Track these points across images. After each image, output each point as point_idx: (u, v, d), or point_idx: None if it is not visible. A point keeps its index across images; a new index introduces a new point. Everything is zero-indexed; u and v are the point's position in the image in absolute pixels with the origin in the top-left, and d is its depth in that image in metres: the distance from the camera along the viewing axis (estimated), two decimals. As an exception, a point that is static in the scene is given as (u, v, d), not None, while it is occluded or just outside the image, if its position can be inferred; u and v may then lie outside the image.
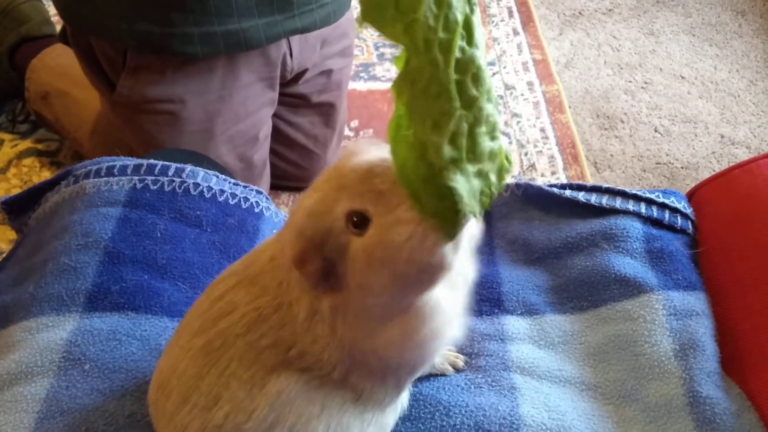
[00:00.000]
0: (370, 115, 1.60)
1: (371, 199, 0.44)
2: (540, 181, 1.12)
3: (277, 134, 1.33)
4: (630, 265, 0.72)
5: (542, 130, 1.58)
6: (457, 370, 0.66)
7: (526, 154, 1.52)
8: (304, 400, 0.50)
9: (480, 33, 0.42)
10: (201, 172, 0.76)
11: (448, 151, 0.41)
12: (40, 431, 0.58)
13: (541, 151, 1.53)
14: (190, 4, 1.02)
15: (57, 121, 1.41)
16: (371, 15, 0.40)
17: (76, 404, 0.60)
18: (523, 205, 0.78)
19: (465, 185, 0.42)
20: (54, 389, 0.61)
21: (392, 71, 1.71)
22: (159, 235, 0.71)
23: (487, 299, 0.71)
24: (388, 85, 1.67)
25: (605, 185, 0.77)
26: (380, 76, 1.71)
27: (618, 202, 0.76)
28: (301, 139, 1.38)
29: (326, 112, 1.37)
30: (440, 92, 0.40)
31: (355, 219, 0.44)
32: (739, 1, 2.02)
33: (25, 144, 1.50)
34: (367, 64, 1.74)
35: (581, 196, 0.76)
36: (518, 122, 1.60)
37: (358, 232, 0.45)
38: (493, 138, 0.44)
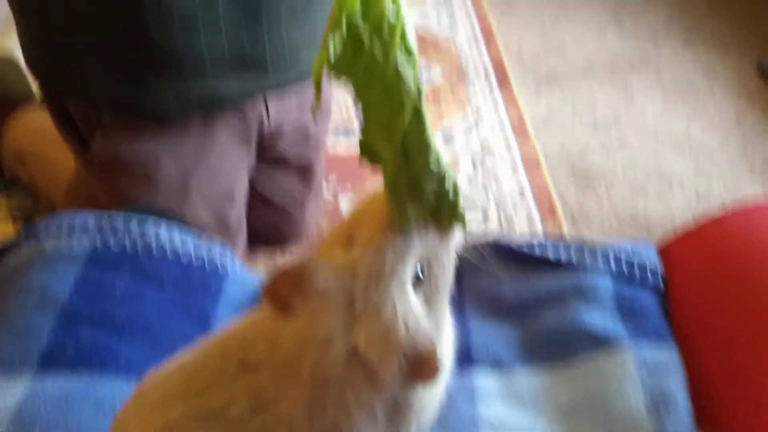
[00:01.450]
0: (348, 175, 1.61)
1: None
2: (518, 235, 1.11)
3: (253, 194, 1.33)
4: (600, 320, 0.71)
5: (519, 186, 1.59)
6: None
7: (503, 210, 1.53)
8: None
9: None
10: (163, 231, 0.75)
11: None
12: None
13: (518, 207, 1.53)
14: (163, 66, 1.03)
15: (32, 182, 1.40)
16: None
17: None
18: (492, 260, 0.77)
19: None
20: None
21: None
22: (118, 294, 0.69)
23: (456, 351, 0.70)
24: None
25: (575, 241, 0.77)
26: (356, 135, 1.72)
27: (588, 260, 0.76)
28: (278, 199, 1.37)
29: (304, 172, 1.37)
30: None
31: None
32: (709, 60, 2.07)
33: (-1, 204, 1.49)
34: (346, 122, 1.76)
35: (551, 253, 0.76)
36: (495, 180, 1.61)
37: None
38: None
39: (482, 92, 1.89)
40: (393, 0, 0.41)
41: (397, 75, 0.42)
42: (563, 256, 0.76)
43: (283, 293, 0.45)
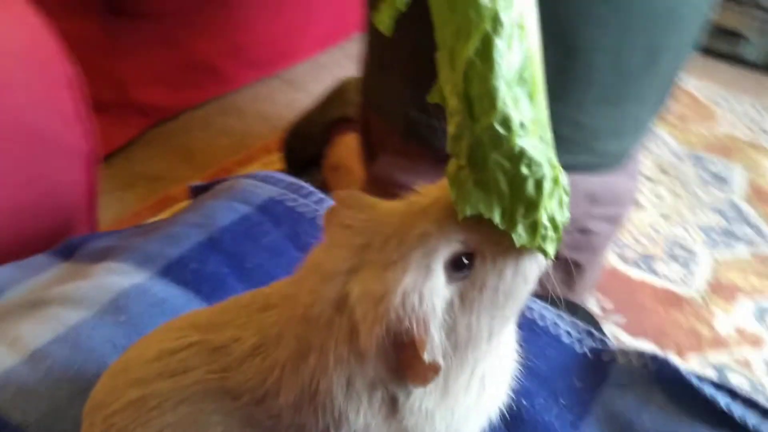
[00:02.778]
0: (628, 304, 1.42)
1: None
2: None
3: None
4: None
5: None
6: None
7: None
8: None
9: None
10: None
11: None
12: (44, 350, 0.58)
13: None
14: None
15: (333, 189, 1.52)
16: None
17: (88, 345, 0.59)
18: (648, 382, 0.59)
19: None
20: (83, 322, 0.60)
21: (677, 273, 1.51)
22: (264, 243, 0.69)
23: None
24: (667, 284, 1.48)
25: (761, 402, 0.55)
26: (661, 273, 1.52)
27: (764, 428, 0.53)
28: (536, 290, 1.26)
29: (571, 271, 1.24)
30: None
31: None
32: None
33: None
34: (651, 256, 1.57)
35: (722, 401, 0.55)
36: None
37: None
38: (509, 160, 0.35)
39: None
40: None
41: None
42: (737, 412, 0.54)
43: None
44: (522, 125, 0.35)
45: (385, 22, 0.36)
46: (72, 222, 0.88)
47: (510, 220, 0.37)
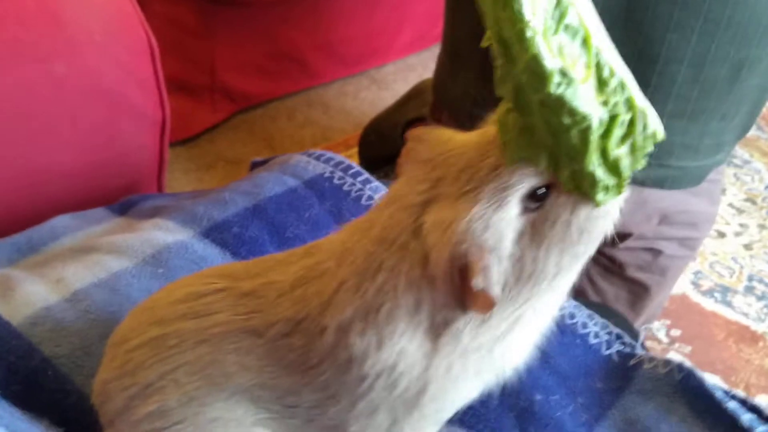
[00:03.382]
0: (696, 334, 1.35)
1: None
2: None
3: (576, 290, 1.21)
4: None
5: None
6: None
7: None
8: None
9: None
10: (383, 188, 0.74)
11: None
12: (84, 292, 0.61)
13: None
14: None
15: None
16: None
17: (125, 291, 0.62)
18: (672, 392, 0.56)
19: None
20: (124, 271, 0.63)
21: (754, 308, 1.43)
22: (306, 215, 0.70)
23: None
24: (742, 319, 1.39)
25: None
26: (737, 307, 1.44)
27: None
28: (596, 301, 1.23)
29: (637, 292, 1.20)
30: None
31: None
32: None
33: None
34: (729, 288, 1.49)
35: (745, 418, 0.51)
36: None
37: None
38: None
39: None
40: None
41: None
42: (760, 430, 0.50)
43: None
44: (563, 73, 0.34)
45: None
46: (139, 185, 0.91)
47: (556, 166, 0.37)
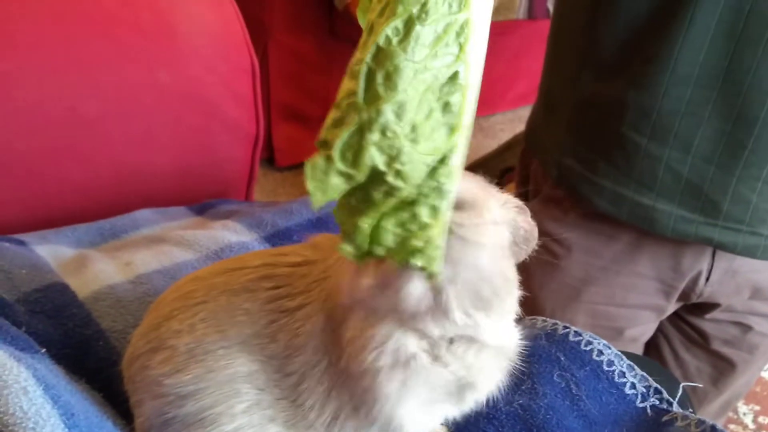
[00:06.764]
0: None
1: None
2: None
3: (656, 356, 1.16)
4: None
5: None
6: None
7: None
8: (242, 400, 0.45)
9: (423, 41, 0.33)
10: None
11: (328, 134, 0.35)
12: (148, 276, 0.66)
13: None
14: (618, 160, 0.99)
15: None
16: None
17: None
18: None
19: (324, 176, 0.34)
20: (187, 262, 0.68)
21: None
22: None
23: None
24: None
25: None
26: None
27: None
28: (678, 379, 1.16)
29: (721, 368, 1.13)
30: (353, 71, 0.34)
31: None
32: None
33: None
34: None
35: None
36: None
37: None
38: (388, 156, 0.34)
39: None
40: None
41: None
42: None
43: None
44: (413, 136, 0.34)
45: None
46: (227, 194, 0.97)
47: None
